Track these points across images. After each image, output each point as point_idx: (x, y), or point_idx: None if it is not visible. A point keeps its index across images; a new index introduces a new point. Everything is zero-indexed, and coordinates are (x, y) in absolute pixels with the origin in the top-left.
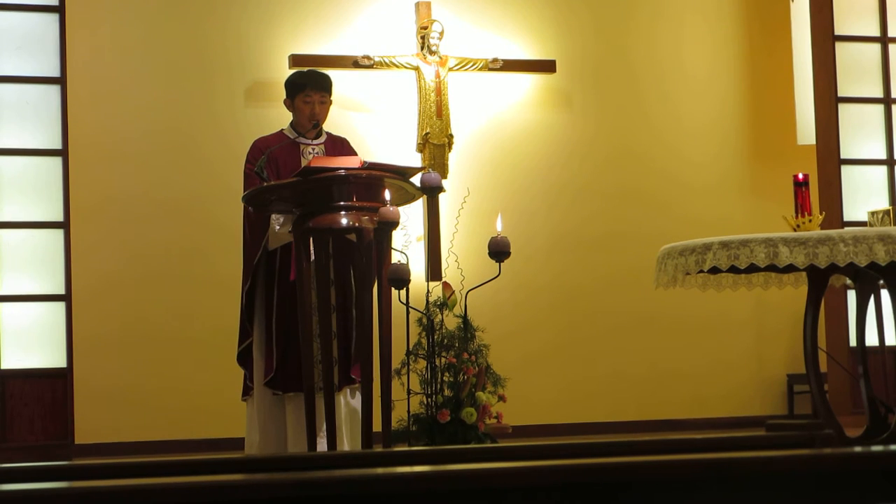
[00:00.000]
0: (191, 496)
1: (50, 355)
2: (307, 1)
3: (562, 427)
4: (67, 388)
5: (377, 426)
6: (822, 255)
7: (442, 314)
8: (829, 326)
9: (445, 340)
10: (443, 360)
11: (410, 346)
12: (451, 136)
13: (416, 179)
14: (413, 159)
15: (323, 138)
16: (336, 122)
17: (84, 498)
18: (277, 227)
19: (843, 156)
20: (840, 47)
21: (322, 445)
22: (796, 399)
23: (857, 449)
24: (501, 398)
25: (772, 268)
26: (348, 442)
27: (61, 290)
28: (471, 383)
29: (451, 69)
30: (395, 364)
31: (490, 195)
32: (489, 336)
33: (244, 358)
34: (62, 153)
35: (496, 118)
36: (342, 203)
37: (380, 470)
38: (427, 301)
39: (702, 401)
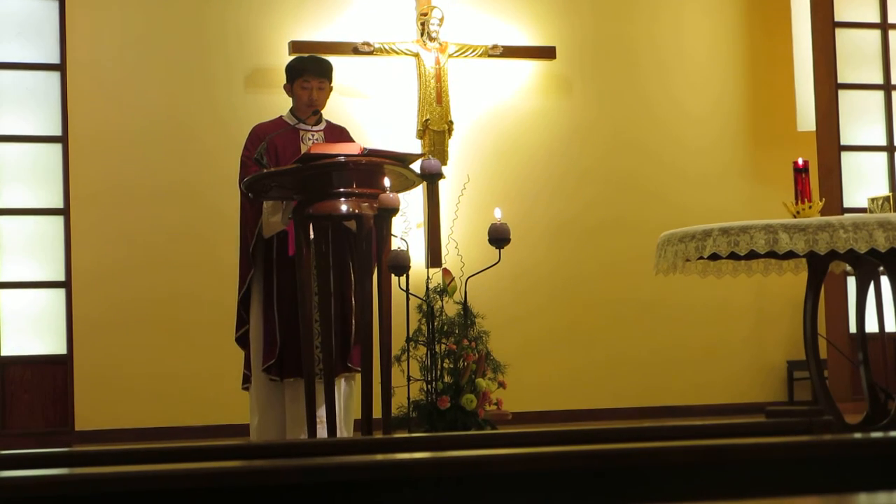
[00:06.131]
0: (191, 483)
1: (50, 342)
2: None
3: (561, 414)
4: (67, 375)
5: (377, 413)
6: (821, 241)
7: (442, 301)
8: (828, 313)
9: (445, 327)
10: (443, 346)
11: (410, 333)
12: (451, 122)
13: (415, 166)
14: (413, 146)
15: (322, 125)
16: (336, 108)
17: (84, 484)
18: (271, 218)
19: (843, 142)
20: (840, 33)
21: (322, 432)
22: (796, 385)
23: (857, 435)
24: (501, 385)
25: (772, 254)
26: (344, 428)
27: (61, 277)
28: (471, 370)
29: (451, 56)
30: (395, 351)
31: (490, 182)
32: (489, 323)
33: (243, 342)
34: (62, 140)
35: (496, 105)
36: (342, 189)
37: (379, 456)
38: (427, 288)
39: (701, 387)
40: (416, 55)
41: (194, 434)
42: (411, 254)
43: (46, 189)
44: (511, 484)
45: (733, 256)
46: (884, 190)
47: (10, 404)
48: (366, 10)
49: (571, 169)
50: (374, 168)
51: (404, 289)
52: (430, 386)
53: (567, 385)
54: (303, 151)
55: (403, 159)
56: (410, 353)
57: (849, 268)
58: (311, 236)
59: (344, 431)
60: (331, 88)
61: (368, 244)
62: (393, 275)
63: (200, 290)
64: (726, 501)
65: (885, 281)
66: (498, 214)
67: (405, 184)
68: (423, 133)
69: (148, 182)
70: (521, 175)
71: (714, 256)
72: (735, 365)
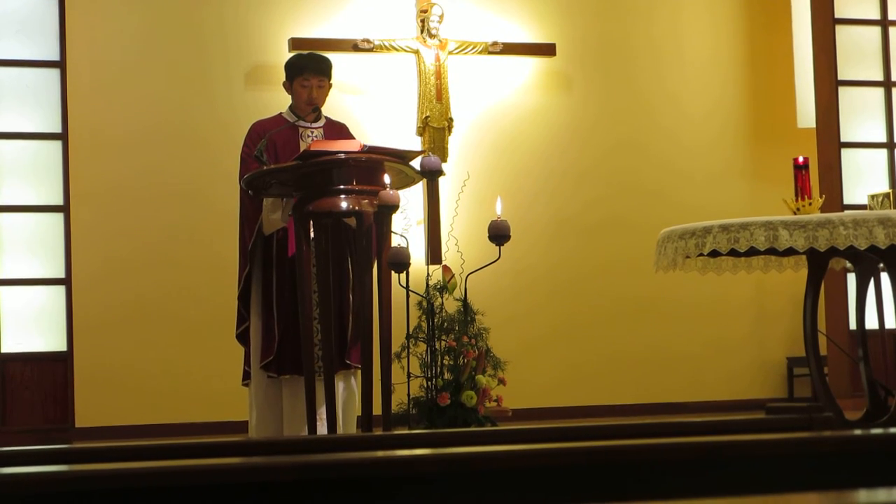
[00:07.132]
0: (190, 479)
1: (50, 339)
2: None
3: (561, 410)
4: (68, 372)
5: (377, 409)
6: (821, 238)
7: (442, 298)
8: (828, 309)
9: (445, 324)
10: (443, 343)
11: (410, 330)
12: (451, 119)
13: (415, 163)
14: (413, 143)
15: (322, 122)
16: (336, 105)
17: (84, 481)
18: (272, 215)
19: (843, 139)
20: (840, 30)
21: (322, 429)
22: (796, 382)
23: (857, 432)
24: (501, 381)
25: (772, 251)
26: (343, 426)
27: (61, 274)
28: (471, 366)
29: (450, 52)
30: (396, 347)
31: (490, 179)
32: (489, 319)
33: (244, 339)
34: (62, 137)
35: (496, 102)
36: (342, 187)
37: (379, 453)
38: (427, 284)
39: (702, 384)
40: (416, 52)
41: (194, 431)
42: (411, 251)
43: (46, 186)
44: (511, 480)
45: (733, 253)
46: (884, 187)
47: (11, 401)
48: (366, 6)
49: (572, 166)
50: (374, 165)
51: (404, 286)
52: (430, 383)
53: (567, 382)
54: (302, 148)
55: (403, 156)
56: (410, 350)
57: (849, 264)
58: (311, 233)
59: (342, 430)
60: (330, 86)
61: (368, 241)
62: (393, 272)
63: (200, 288)
64: (726, 498)
65: (885, 278)
66: (499, 207)
67: (405, 181)
68: (423, 130)
69: (148, 179)
70: (522, 172)
71: (714, 253)
72: (735, 361)
